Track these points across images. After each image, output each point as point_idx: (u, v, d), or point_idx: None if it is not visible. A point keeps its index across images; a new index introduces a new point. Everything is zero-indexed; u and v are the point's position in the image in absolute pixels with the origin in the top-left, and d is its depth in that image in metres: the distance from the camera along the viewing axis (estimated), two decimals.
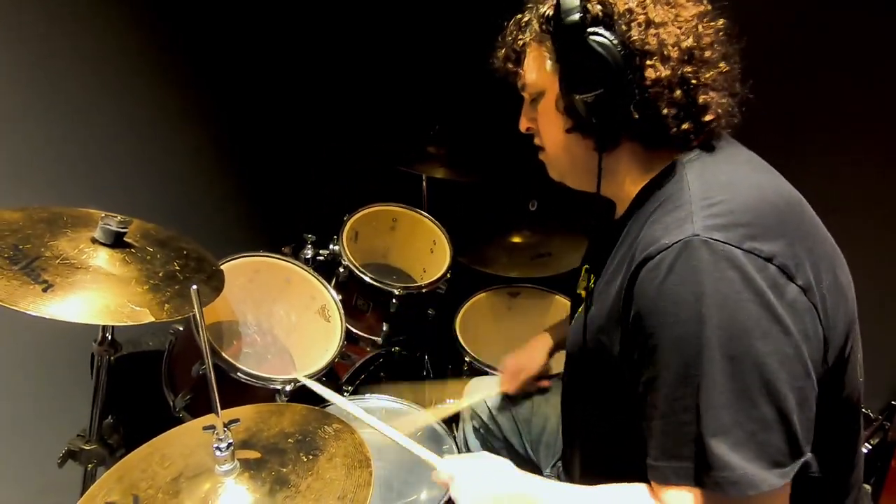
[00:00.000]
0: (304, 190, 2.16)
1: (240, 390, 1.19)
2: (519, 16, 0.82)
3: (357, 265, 1.53)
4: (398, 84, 2.18)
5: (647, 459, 0.67)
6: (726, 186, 0.69)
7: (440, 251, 1.72)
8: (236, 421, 0.77)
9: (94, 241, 0.98)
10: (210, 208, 1.91)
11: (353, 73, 2.20)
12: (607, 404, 0.78)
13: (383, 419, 0.97)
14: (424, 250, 1.77)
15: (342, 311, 1.40)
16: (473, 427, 1.24)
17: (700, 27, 0.71)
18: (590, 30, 0.69)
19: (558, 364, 1.03)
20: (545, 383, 1.20)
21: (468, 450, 1.24)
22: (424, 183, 1.91)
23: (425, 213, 1.78)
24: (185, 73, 1.75)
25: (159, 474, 0.77)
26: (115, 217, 1.00)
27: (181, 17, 1.69)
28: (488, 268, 1.75)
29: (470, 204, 2.00)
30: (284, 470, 0.78)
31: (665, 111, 0.70)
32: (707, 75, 0.71)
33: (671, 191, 0.71)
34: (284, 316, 1.47)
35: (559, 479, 1.05)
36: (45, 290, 0.85)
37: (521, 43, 0.80)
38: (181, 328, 1.28)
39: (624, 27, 0.69)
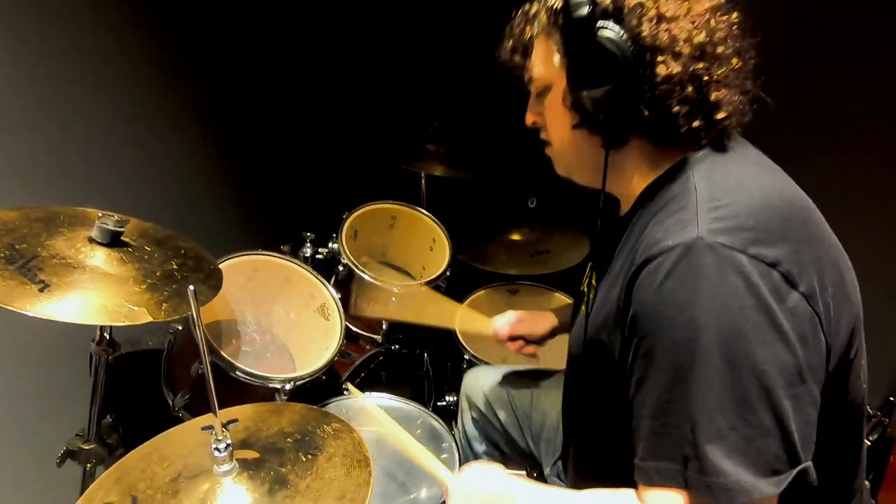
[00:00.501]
0: (303, 188, 2.16)
1: (239, 389, 1.19)
2: (527, 7, 0.79)
3: (356, 263, 1.53)
4: (397, 81, 2.17)
5: (634, 460, 0.66)
6: (733, 189, 0.67)
7: (439, 249, 1.71)
8: (234, 421, 0.77)
9: (90, 240, 0.98)
10: (208, 207, 1.90)
11: (351, 71, 2.19)
12: (607, 403, 0.77)
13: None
14: (424, 248, 1.77)
15: (341, 310, 1.40)
16: (472, 418, 1.24)
17: (713, 21, 0.69)
18: (599, 24, 0.67)
19: (557, 362, 1.02)
20: (531, 349, 1.20)
21: (468, 440, 1.24)
22: (423, 180, 1.90)
23: (424, 211, 1.77)
24: (184, 71, 1.74)
25: (158, 474, 0.77)
26: (112, 216, 0.99)
27: (180, 15, 1.69)
28: (487, 265, 1.74)
29: (469, 201, 2.00)
30: (283, 470, 0.77)
31: (676, 109, 0.68)
32: (719, 72, 0.69)
33: (677, 191, 0.70)
34: (284, 314, 1.47)
35: (559, 476, 1.05)
36: (41, 290, 0.85)
37: (528, 35, 0.79)
38: (180, 327, 1.27)
39: (634, 22, 0.67)
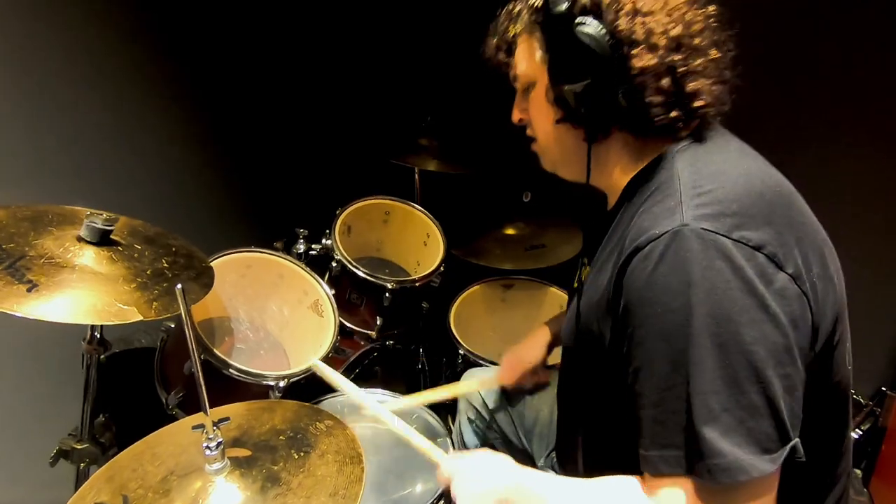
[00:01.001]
0: (296, 184, 2.14)
1: (233, 387, 1.18)
2: (510, 6, 0.81)
3: (350, 259, 1.53)
4: (389, 76, 2.16)
5: (638, 450, 0.67)
6: (716, 175, 0.68)
7: (433, 244, 1.71)
8: (226, 420, 0.77)
9: (79, 239, 0.97)
10: (200, 204, 1.89)
11: (343, 66, 2.17)
12: (601, 394, 0.78)
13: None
14: (418, 243, 1.76)
15: (335, 306, 1.39)
16: (469, 418, 1.25)
17: (689, 15, 0.71)
18: (578, 20, 0.69)
19: (556, 358, 1.02)
20: (543, 379, 1.19)
21: (463, 441, 1.25)
22: (417, 175, 1.89)
23: (418, 206, 1.77)
24: (173, 66, 1.72)
25: (150, 473, 0.77)
26: (101, 214, 0.99)
27: (167, 10, 1.66)
28: (482, 260, 1.74)
29: (463, 196, 1.99)
30: (276, 467, 0.77)
31: (652, 99, 0.69)
32: (696, 63, 0.70)
33: (661, 180, 0.71)
34: (277, 311, 1.46)
35: (553, 469, 1.05)
36: (29, 290, 0.84)
37: (511, 33, 0.80)
38: (173, 325, 1.27)
39: (612, 17, 0.69)
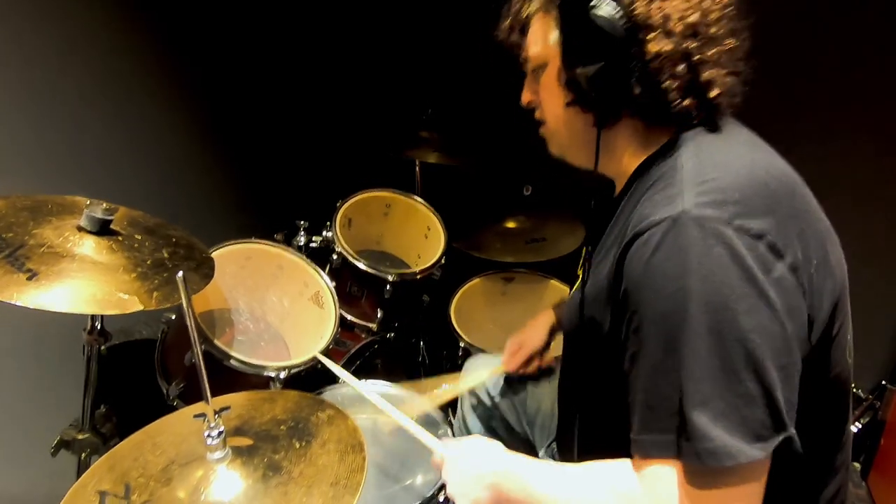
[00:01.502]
0: (297, 175, 2.14)
1: (234, 378, 1.18)
2: None
3: (351, 252, 1.52)
4: (390, 68, 2.15)
5: (630, 434, 0.67)
6: (720, 165, 0.68)
7: (434, 237, 1.71)
8: (227, 409, 0.77)
9: (79, 228, 0.97)
10: (201, 195, 1.88)
11: (344, 58, 2.16)
12: (601, 383, 0.78)
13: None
14: (418, 236, 1.76)
15: (336, 298, 1.39)
16: (471, 405, 1.25)
17: (706, 2, 0.70)
18: (594, 1, 0.68)
19: (559, 347, 1.02)
20: (547, 361, 1.19)
21: (466, 427, 1.25)
22: (418, 168, 1.89)
23: (419, 199, 1.76)
24: (174, 57, 1.71)
25: (151, 462, 0.77)
26: (101, 204, 0.98)
27: (168, 2, 1.65)
28: (483, 253, 1.74)
29: (464, 189, 1.99)
30: (277, 457, 0.77)
31: (666, 86, 0.69)
32: (711, 51, 0.70)
33: (665, 168, 0.71)
34: (277, 302, 1.46)
35: (553, 458, 1.05)
36: (29, 279, 0.84)
37: (525, 14, 0.79)
38: (174, 316, 1.27)
39: (629, 0, 0.68)
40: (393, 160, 1.81)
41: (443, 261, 1.62)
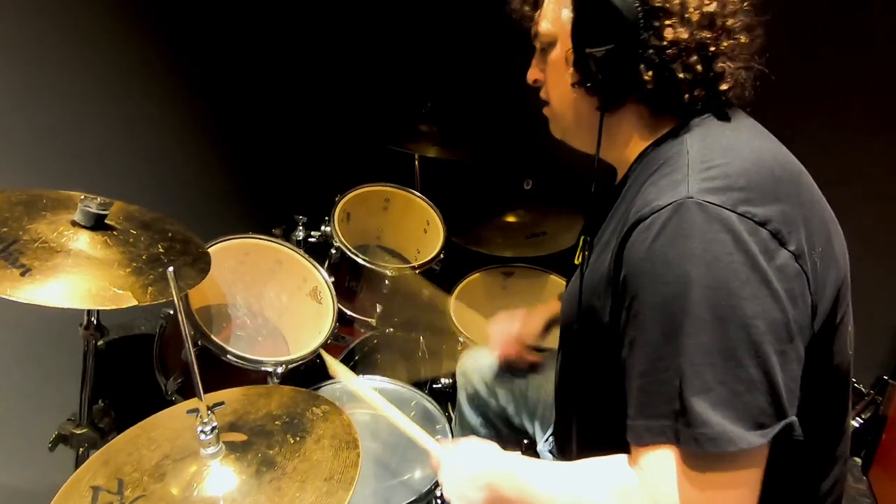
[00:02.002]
0: (295, 170, 2.13)
1: (231, 373, 1.18)
2: None
3: (349, 247, 1.52)
4: (389, 62, 2.13)
5: (626, 421, 0.66)
6: (725, 151, 0.67)
7: (434, 231, 1.70)
8: (221, 404, 0.76)
9: (74, 223, 0.96)
10: (198, 189, 1.88)
11: (343, 52, 2.15)
12: (599, 374, 0.77)
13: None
14: (418, 230, 1.75)
15: (334, 293, 1.39)
16: (468, 396, 1.24)
17: None
18: None
19: (554, 341, 1.02)
20: (539, 357, 1.18)
21: (464, 420, 1.24)
22: (417, 162, 1.88)
23: (418, 193, 1.75)
24: (171, 52, 1.70)
25: (145, 457, 0.77)
26: (96, 199, 0.98)
27: None
28: (482, 247, 1.73)
29: (464, 183, 1.98)
30: (271, 452, 0.77)
31: (680, 75, 0.68)
32: (726, 44, 0.69)
33: (670, 154, 0.70)
34: (275, 298, 1.46)
35: (552, 451, 1.05)
36: (23, 275, 0.83)
37: None
38: (172, 312, 1.27)
39: None
40: (392, 154, 1.80)
41: (442, 255, 1.61)
